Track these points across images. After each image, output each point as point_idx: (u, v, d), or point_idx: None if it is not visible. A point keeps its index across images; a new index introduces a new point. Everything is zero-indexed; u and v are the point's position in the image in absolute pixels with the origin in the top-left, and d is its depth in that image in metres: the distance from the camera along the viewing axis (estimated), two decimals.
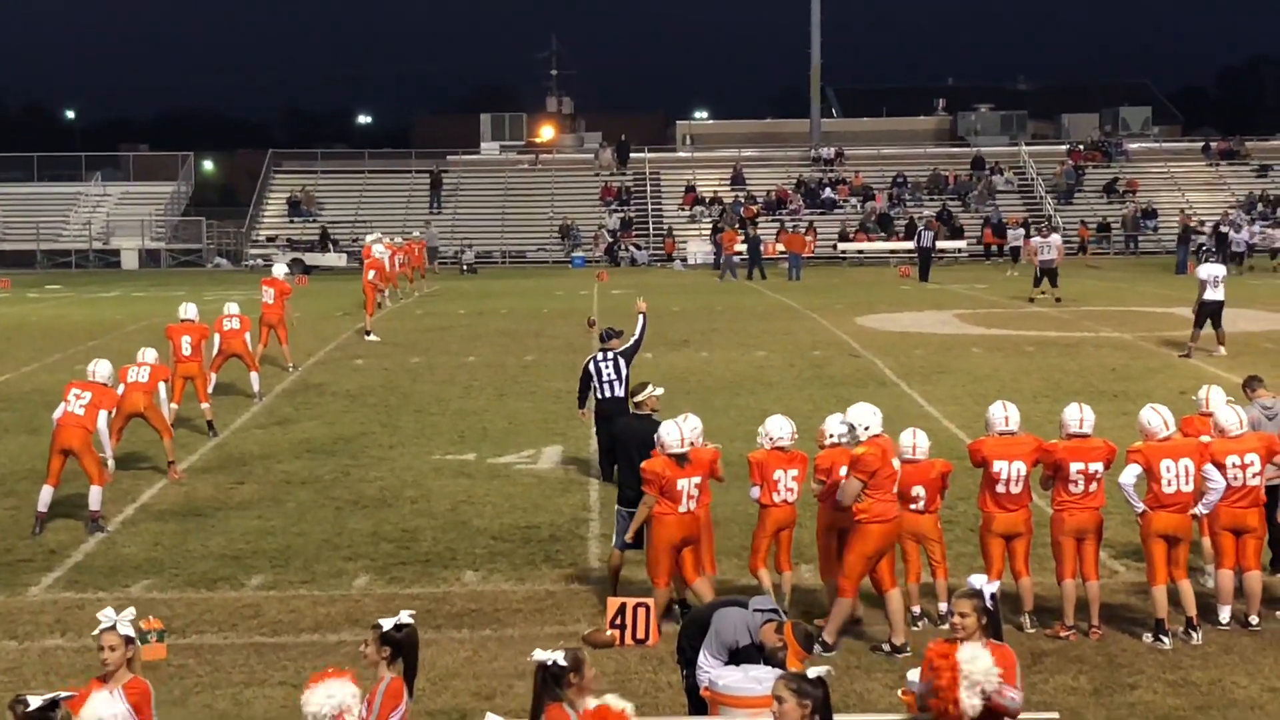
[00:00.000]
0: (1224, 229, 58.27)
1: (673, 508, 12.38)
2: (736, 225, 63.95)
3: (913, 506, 12.78)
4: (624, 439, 13.94)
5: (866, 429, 12.18)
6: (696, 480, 12.42)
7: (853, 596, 12.24)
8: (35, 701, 7.14)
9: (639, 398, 14.40)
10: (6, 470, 19.79)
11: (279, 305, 28.10)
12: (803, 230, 63.63)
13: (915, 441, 12.93)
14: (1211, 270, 30.39)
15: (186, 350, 21.95)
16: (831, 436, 13.07)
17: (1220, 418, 12.97)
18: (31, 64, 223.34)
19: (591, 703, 7.56)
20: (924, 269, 53.12)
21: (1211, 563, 13.24)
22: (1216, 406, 13.33)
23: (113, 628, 8.10)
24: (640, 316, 19.16)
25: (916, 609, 12.88)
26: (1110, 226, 67.72)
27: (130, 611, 8.26)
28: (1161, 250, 63.37)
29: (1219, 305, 29.53)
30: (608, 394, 17.90)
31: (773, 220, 68.58)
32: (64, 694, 7.32)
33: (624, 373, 17.99)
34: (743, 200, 71.57)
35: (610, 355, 18.14)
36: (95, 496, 16.44)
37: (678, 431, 12.47)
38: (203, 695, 11.39)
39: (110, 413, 17.00)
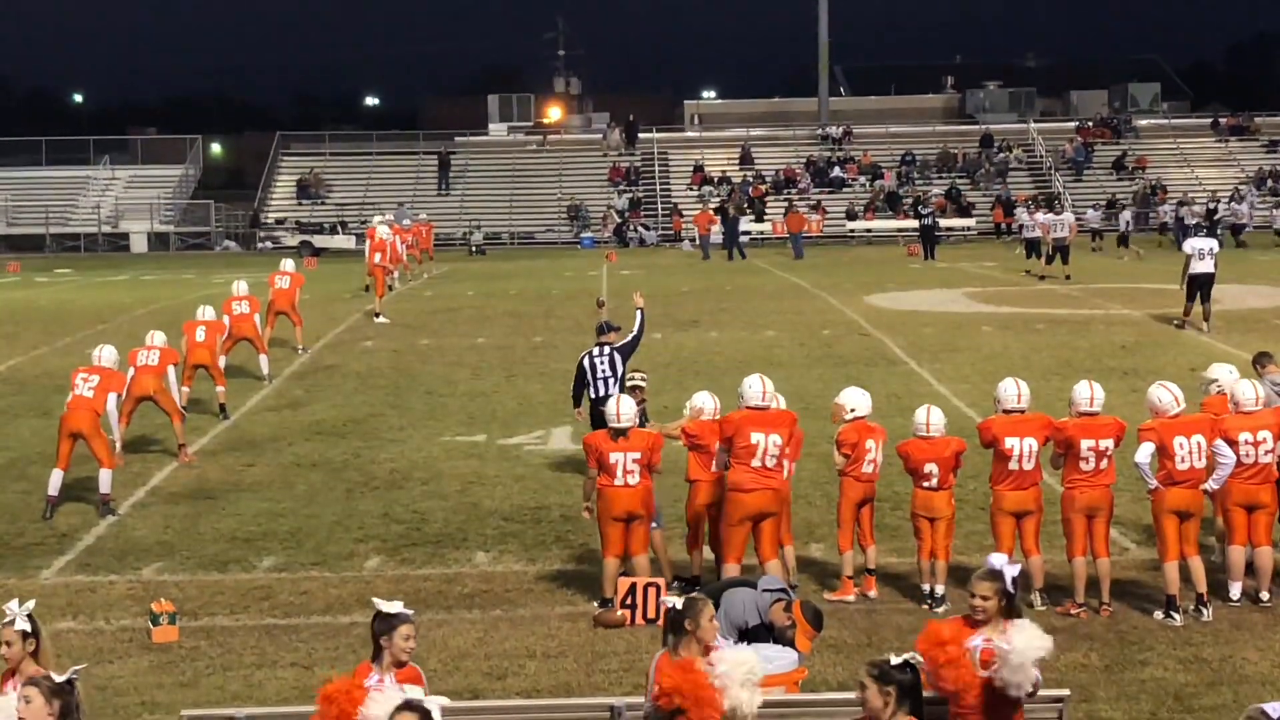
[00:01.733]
0: (1211, 205, 58.47)
1: (609, 480, 12.59)
2: (713, 207, 64.11)
3: (925, 484, 12.79)
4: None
5: (853, 410, 13.05)
6: (635, 456, 12.57)
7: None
8: (59, 676, 7.20)
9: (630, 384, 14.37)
10: (17, 454, 19.82)
11: (292, 291, 28.12)
12: (803, 210, 63.48)
13: (929, 419, 12.93)
14: (1197, 243, 30.43)
15: (201, 337, 21.92)
16: (853, 411, 13.20)
17: (1238, 392, 12.94)
18: (38, 48, 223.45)
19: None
20: (928, 247, 53.21)
21: (1222, 541, 13.23)
22: (1231, 382, 13.26)
23: (11, 622, 7.94)
24: (638, 312, 17.55)
25: (927, 587, 12.88)
26: (1117, 202, 67.33)
27: (30, 604, 8.09)
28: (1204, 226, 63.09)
29: (1208, 278, 29.61)
30: (601, 392, 16.43)
31: (781, 200, 68.49)
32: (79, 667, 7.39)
33: (620, 370, 16.64)
34: (751, 180, 71.49)
35: (606, 351, 16.80)
36: (105, 479, 16.48)
37: (616, 406, 12.78)
38: (214, 677, 11.41)
39: (119, 395, 17.04)
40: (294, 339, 28.66)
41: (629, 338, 17.19)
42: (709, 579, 13.02)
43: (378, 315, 33.91)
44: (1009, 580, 8.01)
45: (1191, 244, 30.56)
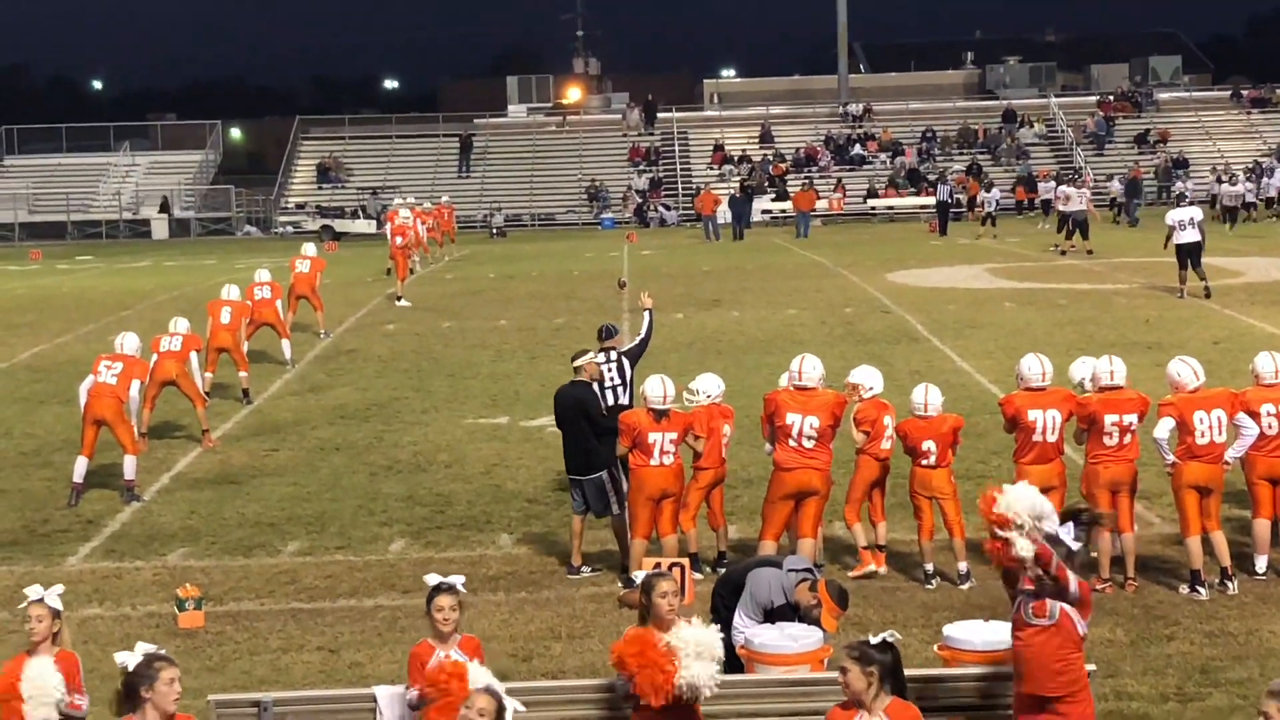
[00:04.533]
0: (1221, 177, 58.24)
1: (645, 460, 12.66)
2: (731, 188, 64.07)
3: (924, 462, 12.83)
4: (561, 407, 13.93)
5: (870, 389, 13.26)
6: (672, 436, 12.68)
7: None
8: (131, 661, 7.25)
9: (578, 363, 14.06)
10: (42, 441, 19.91)
11: (313, 275, 28.16)
12: (814, 189, 63.33)
13: (927, 399, 12.95)
14: (1178, 214, 30.72)
15: (225, 319, 21.94)
16: (870, 389, 13.31)
17: (1258, 365, 12.90)
18: (58, 35, 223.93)
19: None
20: (943, 223, 53.31)
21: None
22: (1259, 356, 13.14)
23: (40, 600, 8.27)
24: (646, 313, 16.15)
25: (929, 566, 12.86)
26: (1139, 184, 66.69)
27: (58, 587, 8.46)
28: (1194, 201, 62.78)
29: (1195, 246, 30.11)
30: (609, 401, 14.61)
31: (803, 177, 68.33)
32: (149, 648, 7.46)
33: (629, 376, 15.01)
34: (771, 158, 71.35)
35: (613, 357, 15.06)
36: (130, 466, 16.54)
37: (661, 388, 12.81)
38: (241, 661, 11.46)
39: (142, 382, 17.09)
40: (316, 323, 28.70)
41: (637, 340, 15.82)
42: (733, 559, 13.06)
43: (399, 299, 33.94)
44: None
45: (1173, 215, 30.99)
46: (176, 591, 12.53)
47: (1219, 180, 54.82)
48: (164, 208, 70.25)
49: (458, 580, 8.49)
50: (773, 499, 12.74)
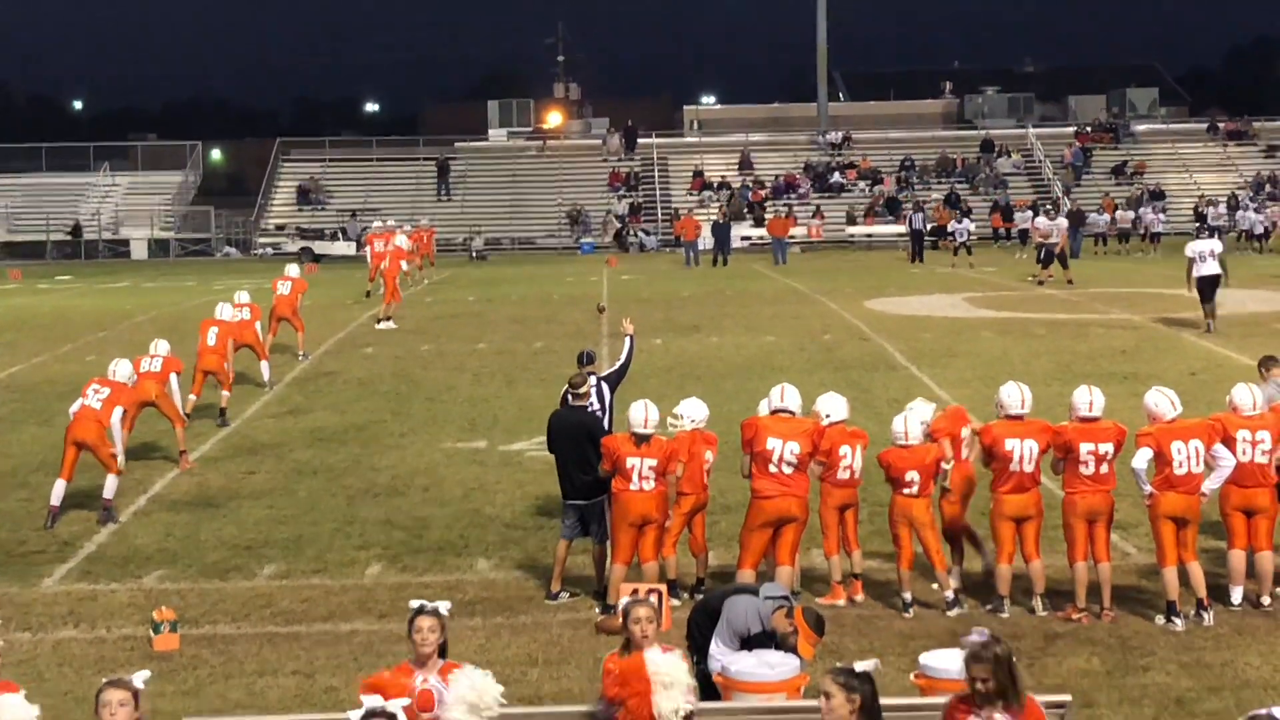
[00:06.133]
0: (1203, 210, 58.75)
1: (625, 485, 12.72)
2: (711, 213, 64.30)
3: (906, 491, 12.83)
4: (557, 431, 13.83)
5: (828, 416, 13.16)
6: (652, 462, 12.70)
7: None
8: (137, 681, 7.37)
9: (580, 390, 13.98)
10: (19, 461, 19.83)
11: (294, 297, 28.19)
12: (784, 215, 63.68)
13: (908, 428, 12.96)
14: (1198, 246, 30.39)
15: (211, 341, 21.91)
16: (828, 417, 13.25)
17: (1235, 396, 12.96)
18: (38, 54, 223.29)
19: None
20: (916, 250, 54.02)
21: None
22: (1236, 388, 13.21)
23: None
24: (628, 339, 16.15)
25: (908, 594, 12.88)
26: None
27: None
28: (1172, 231, 63.03)
29: (1214, 279, 29.59)
30: None
31: (782, 205, 68.50)
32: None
33: (608, 401, 15.03)
34: (750, 185, 71.51)
35: (592, 381, 14.81)
36: (110, 485, 16.51)
37: (643, 412, 12.85)
38: (216, 685, 11.41)
39: (125, 410, 17.09)
40: (296, 345, 28.67)
41: (617, 365, 15.85)
42: (712, 585, 13.06)
43: (384, 320, 33.87)
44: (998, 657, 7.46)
45: (1193, 247, 30.53)
46: (152, 614, 12.49)
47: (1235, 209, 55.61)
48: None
49: (443, 605, 8.50)
50: (751, 527, 12.75)
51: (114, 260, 67.37)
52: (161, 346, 19.54)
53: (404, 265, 36.21)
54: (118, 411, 16.71)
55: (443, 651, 8.55)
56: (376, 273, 39.56)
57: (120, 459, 16.93)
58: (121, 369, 17.51)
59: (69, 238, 69.71)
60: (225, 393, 22.23)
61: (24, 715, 7.30)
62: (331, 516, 16.58)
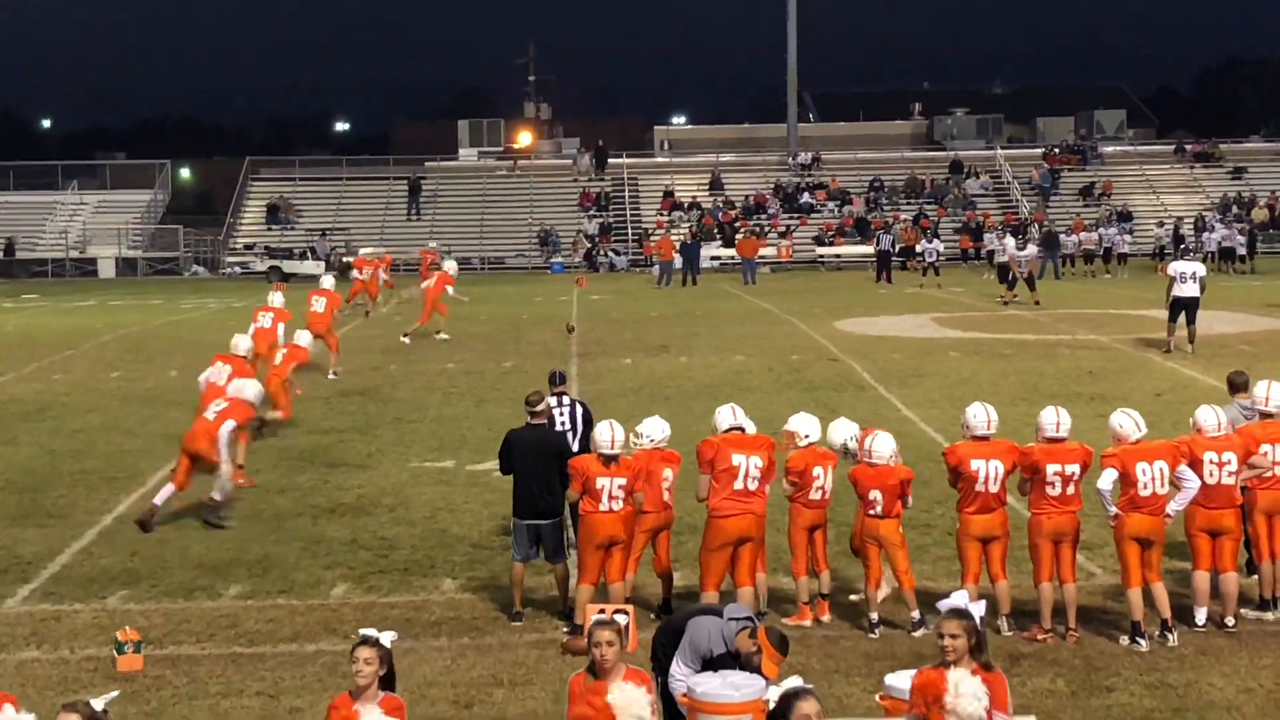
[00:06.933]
0: (1183, 230, 59.36)
1: (594, 505, 12.68)
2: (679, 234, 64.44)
3: (871, 511, 12.85)
4: (521, 450, 13.60)
5: (807, 437, 13.15)
6: (620, 481, 12.69)
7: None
8: (98, 704, 7.37)
9: (538, 408, 13.85)
10: None
11: (328, 315, 28.25)
12: (756, 235, 63.91)
13: (873, 446, 12.98)
14: (1180, 266, 30.56)
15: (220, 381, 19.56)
16: (805, 438, 13.24)
17: (1199, 418, 13.01)
18: (5, 72, 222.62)
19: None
20: (882, 271, 54.45)
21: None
22: (1200, 409, 13.27)
23: None
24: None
25: (875, 615, 12.88)
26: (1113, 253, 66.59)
27: None
28: (1137, 253, 63.40)
29: (1192, 301, 29.67)
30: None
31: (753, 225, 68.63)
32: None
33: (579, 421, 15.09)
34: (720, 205, 71.64)
35: (565, 400, 15.20)
36: (219, 485, 16.93)
37: (609, 432, 12.85)
38: (180, 706, 11.35)
39: (239, 423, 17.39)
40: (327, 364, 28.52)
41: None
42: (678, 606, 13.05)
43: (438, 334, 34.88)
44: (978, 619, 8.20)
45: (1175, 267, 30.73)
46: (116, 635, 12.42)
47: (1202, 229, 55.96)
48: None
49: (387, 636, 8.48)
50: (710, 547, 12.76)
51: (81, 279, 67.07)
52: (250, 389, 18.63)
53: (449, 290, 36.02)
54: (229, 424, 17.04)
55: (388, 683, 8.45)
56: (355, 296, 40.16)
57: (226, 470, 17.07)
58: (247, 387, 18.01)
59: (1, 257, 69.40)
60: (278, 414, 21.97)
61: None
62: (298, 536, 16.52)
